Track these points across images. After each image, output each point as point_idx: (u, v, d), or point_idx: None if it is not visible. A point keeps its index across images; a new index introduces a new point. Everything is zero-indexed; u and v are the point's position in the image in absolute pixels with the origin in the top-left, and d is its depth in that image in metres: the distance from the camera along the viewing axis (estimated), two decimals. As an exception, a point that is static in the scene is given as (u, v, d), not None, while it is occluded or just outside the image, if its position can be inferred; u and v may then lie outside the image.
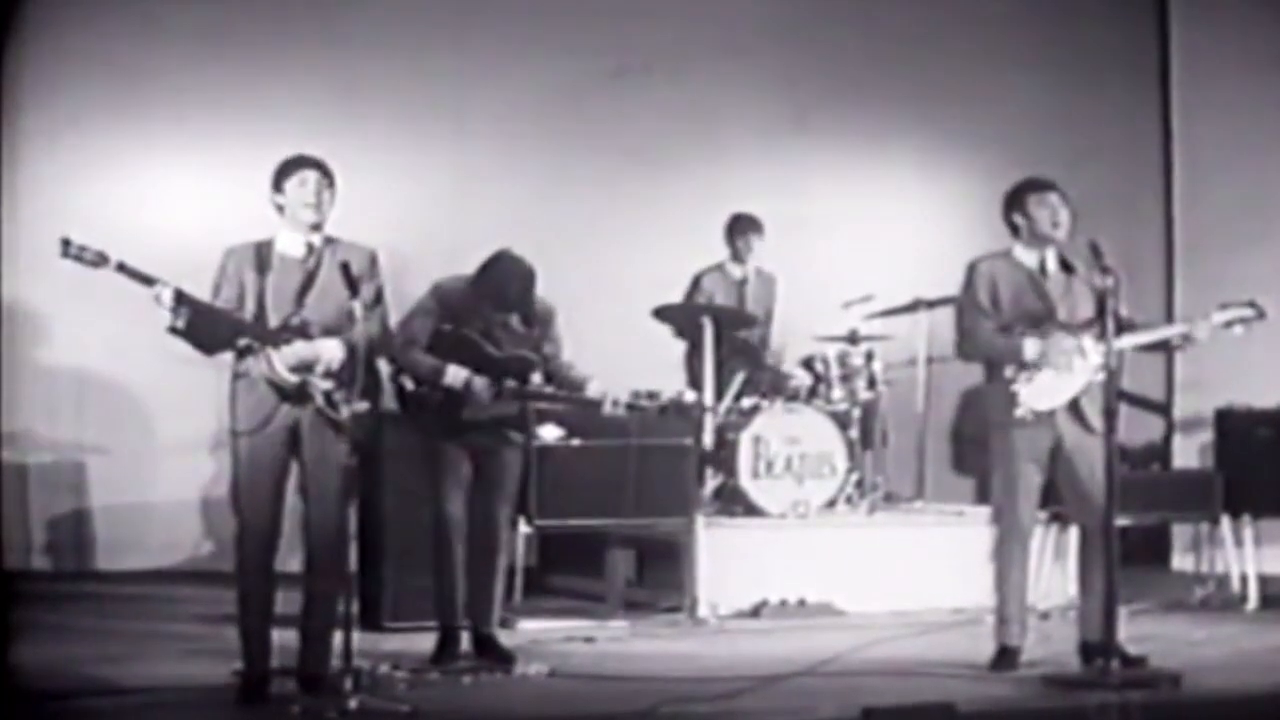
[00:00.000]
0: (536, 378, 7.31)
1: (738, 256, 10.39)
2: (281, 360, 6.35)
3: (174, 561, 10.09)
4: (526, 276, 7.28)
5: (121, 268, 6.15)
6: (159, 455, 10.07)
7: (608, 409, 7.35)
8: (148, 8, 10.16)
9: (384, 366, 7.02)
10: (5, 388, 9.53)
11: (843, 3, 11.62)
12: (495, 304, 7.27)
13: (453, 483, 7.27)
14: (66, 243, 6.12)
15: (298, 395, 6.36)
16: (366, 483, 7.19)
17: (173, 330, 6.24)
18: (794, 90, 11.41)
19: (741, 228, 10.35)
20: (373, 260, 6.59)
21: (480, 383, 7.19)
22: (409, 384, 7.25)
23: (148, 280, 6.18)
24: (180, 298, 6.19)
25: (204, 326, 6.29)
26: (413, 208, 10.24)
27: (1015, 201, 7.23)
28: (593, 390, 7.37)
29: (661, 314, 9.86)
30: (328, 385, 6.35)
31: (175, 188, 10.05)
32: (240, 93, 10.17)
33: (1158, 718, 6.40)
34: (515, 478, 7.45)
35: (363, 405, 6.28)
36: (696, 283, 10.32)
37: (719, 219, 10.41)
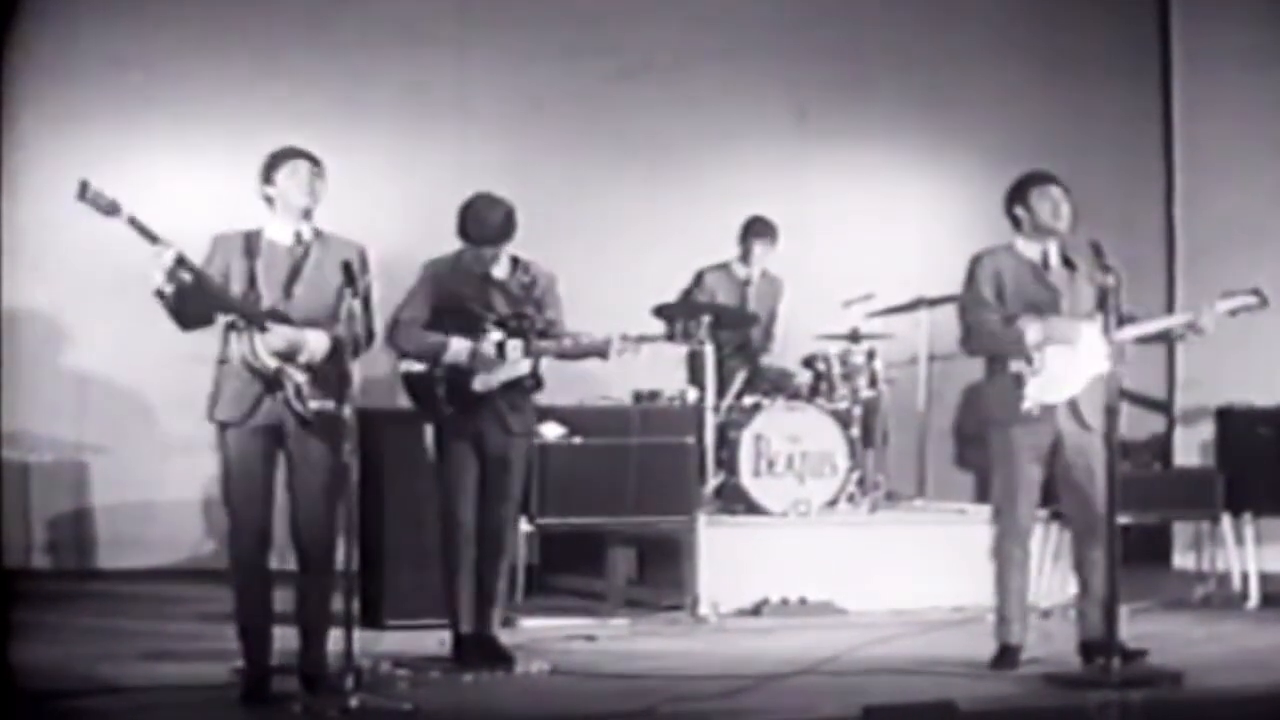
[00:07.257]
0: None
1: (746, 258, 10.40)
2: (265, 344, 6.32)
3: (175, 560, 10.08)
4: (505, 206, 7.24)
5: (132, 221, 6.13)
6: (160, 454, 10.05)
7: (616, 346, 7.25)
8: (149, 4, 10.16)
9: (388, 360, 7.02)
10: (6, 387, 9.53)
11: (844, 2, 11.61)
12: (480, 237, 7.20)
13: (463, 487, 7.24)
14: (84, 185, 6.10)
15: (271, 382, 6.33)
16: (367, 482, 7.17)
17: (158, 294, 6.21)
18: (796, 89, 11.41)
19: (756, 231, 10.34)
20: (362, 257, 6.55)
21: (485, 348, 7.17)
22: (415, 366, 7.21)
23: (153, 238, 6.17)
24: (180, 262, 6.18)
25: (191, 298, 6.26)
26: (415, 207, 10.22)
27: (1017, 194, 7.25)
28: (598, 338, 7.27)
29: (662, 313, 9.86)
30: (301, 378, 6.33)
31: (177, 186, 10.00)
32: (243, 90, 10.16)
33: (1159, 716, 6.40)
34: (521, 481, 7.42)
35: (328, 403, 6.26)
36: (699, 279, 10.34)
37: (721, 218, 10.41)
